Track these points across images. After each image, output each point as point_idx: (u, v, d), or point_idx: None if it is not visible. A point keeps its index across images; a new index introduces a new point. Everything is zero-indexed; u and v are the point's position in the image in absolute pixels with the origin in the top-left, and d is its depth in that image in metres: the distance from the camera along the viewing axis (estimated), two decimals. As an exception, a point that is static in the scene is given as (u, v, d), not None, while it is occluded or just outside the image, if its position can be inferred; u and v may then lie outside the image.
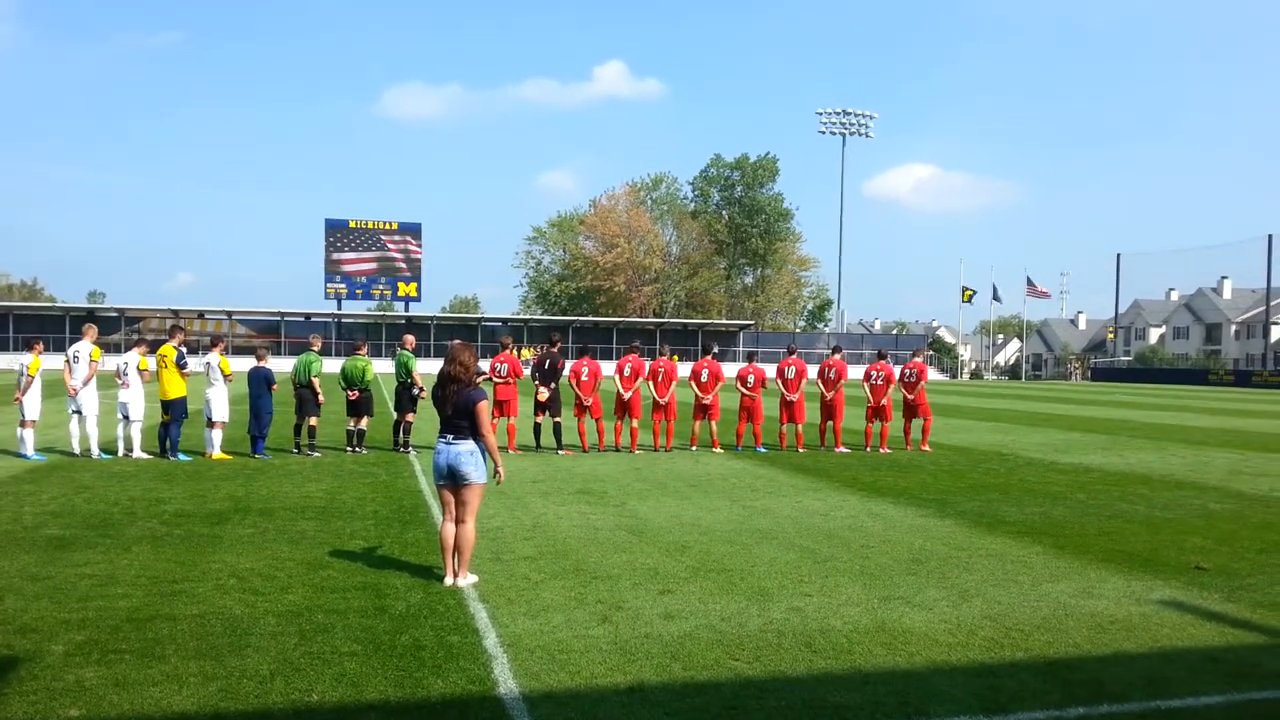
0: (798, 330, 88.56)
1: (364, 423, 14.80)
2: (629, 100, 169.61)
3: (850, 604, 6.22)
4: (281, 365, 33.05)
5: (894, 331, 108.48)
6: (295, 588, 6.37)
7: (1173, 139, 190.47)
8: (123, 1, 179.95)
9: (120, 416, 13.55)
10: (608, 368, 17.25)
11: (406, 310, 76.12)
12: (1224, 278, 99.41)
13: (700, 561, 7.40)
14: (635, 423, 15.33)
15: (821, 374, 16.25)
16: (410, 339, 15.80)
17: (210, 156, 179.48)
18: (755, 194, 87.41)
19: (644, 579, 6.79)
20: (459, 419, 6.56)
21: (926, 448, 16.38)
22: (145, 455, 13.39)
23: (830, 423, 16.15)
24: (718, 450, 15.41)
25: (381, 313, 78.56)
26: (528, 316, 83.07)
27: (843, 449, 15.85)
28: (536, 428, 15.45)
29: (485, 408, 6.57)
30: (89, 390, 13.36)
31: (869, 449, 16.07)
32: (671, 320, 79.18)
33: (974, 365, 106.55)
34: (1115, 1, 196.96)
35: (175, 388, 13.31)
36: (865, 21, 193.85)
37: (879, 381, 16.25)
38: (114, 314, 67.73)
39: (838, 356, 16.24)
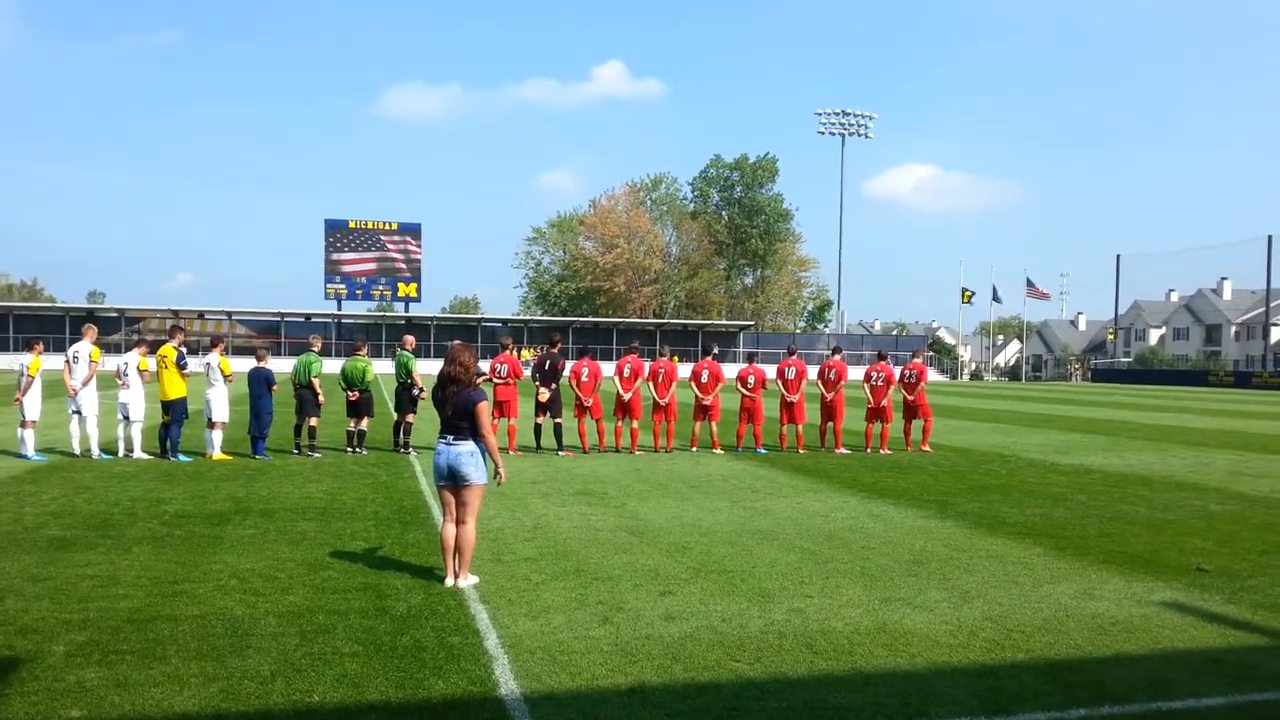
0: (798, 331, 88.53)
1: (364, 423, 14.81)
2: (629, 100, 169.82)
3: (851, 605, 6.22)
4: (281, 366, 33.09)
5: (894, 332, 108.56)
6: (296, 588, 6.38)
7: (1173, 139, 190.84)
8: (122, 1, 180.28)
9: (120, 417, 13.55)
10: (608, 368, 17.24)
11: (406, 311, 76.11)
12: (1224, 279, 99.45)
13: (701, 563, 7.40)
14: (635, 424, 15.33)
15: (821, 375, 16.25)
16: (410, 339, 15.78)
17: (210, 156, 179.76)
18: (755, 194, 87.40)
19: (645, 580, 6.80)
20: (459, 420, 6.56)
21: (927, 448, 16.38)
22: (146, 456, 13.39)
23: (830, 424, 16.15)
24: (718, 451, 15.41)
25: (381, 313, 78.54)
26: (528, 317, 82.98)
27: (843, 450, 15.85)
28: (537, 428, 15.46)
29: (485, 408, 6.57)
30: (89, 391, 13.37)
31: (869, 450, 16.06)
32: (671, 321, 79.11)
33: (974, 366, 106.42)
34: (1115, 1, 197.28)
35: (175, 388, 13.32)
36: (865, 22, 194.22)
37: (879, 382, 16.25)
38: (114, 314, 67.68)
39: (838, 357, 16.24)
